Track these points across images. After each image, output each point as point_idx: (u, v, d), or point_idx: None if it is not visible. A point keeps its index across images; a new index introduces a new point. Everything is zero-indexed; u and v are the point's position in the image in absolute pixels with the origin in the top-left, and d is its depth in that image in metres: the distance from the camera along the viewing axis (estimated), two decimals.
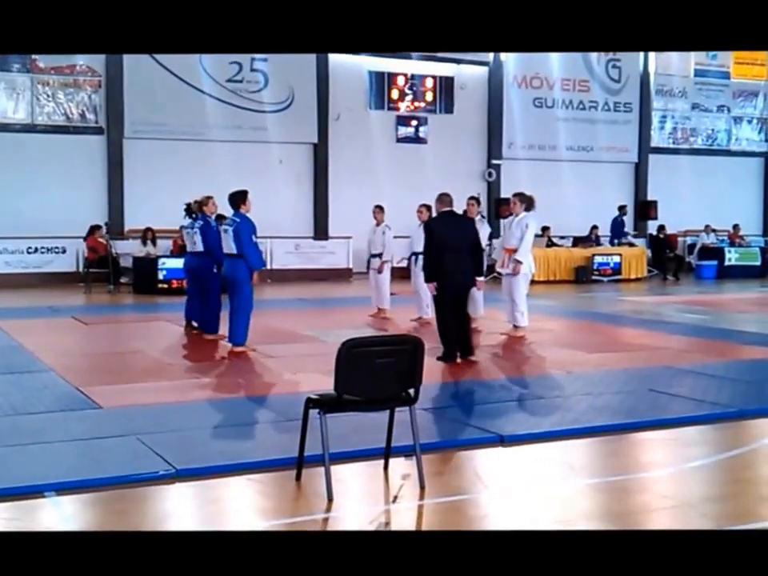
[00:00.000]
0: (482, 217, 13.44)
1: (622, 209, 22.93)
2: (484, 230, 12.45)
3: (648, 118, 25.45)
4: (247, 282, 10.08)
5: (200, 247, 11.12)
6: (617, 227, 22.85)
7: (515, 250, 11.39)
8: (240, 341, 10.13)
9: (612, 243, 22.59)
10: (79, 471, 5.54)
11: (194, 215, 11.79)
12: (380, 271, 13.53)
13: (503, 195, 21.63)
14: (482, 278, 10.40)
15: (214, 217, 11.32)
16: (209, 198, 11.37)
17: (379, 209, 13.78)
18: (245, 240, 9.93)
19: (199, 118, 20.47)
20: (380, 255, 13.62)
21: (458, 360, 9.49)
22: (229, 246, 10.08)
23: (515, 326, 11.56)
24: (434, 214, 10.55)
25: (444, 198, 9.94)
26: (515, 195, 11.89)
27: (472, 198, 12.77)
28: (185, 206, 11.99)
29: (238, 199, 10.14)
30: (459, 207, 12.16)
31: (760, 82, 27.08)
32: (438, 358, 9.34)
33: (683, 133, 26.26)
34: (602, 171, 24.83)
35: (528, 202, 11.58)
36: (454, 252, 9.51)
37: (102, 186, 19.99)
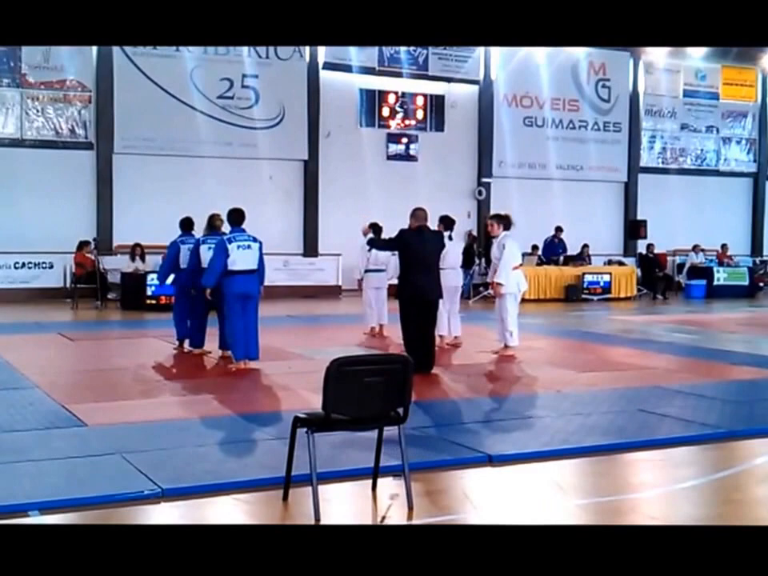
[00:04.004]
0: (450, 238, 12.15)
1: (557, 230, 22.78)
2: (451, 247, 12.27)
3: (637, 137, 25.58)
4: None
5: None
6: (551, 247, 22.65)
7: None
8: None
9: (549, 262, 22.02)
10: (64, 490, 5.47)
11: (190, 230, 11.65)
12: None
13: (493, 214, 21.54)
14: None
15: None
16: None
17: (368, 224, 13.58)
18: (262, 257, 10.25)
19: (189, 134, 20.44)
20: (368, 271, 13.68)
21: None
22: (254, 262, 10.08)
23: (505, 345, 11.54)
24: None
25: (418, 213, 10.07)
26: (491, 218, 11.89)
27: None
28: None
29: (244, 218, 10.35)
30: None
31: (749, 103, 27.28)
32: None
33: (672, 153, 26.41)
34: (592, 190, 24.92)
35: (505, 222, 11.53)
36: (423, 266, 9.81)
37: (91, 201, 19.92)
